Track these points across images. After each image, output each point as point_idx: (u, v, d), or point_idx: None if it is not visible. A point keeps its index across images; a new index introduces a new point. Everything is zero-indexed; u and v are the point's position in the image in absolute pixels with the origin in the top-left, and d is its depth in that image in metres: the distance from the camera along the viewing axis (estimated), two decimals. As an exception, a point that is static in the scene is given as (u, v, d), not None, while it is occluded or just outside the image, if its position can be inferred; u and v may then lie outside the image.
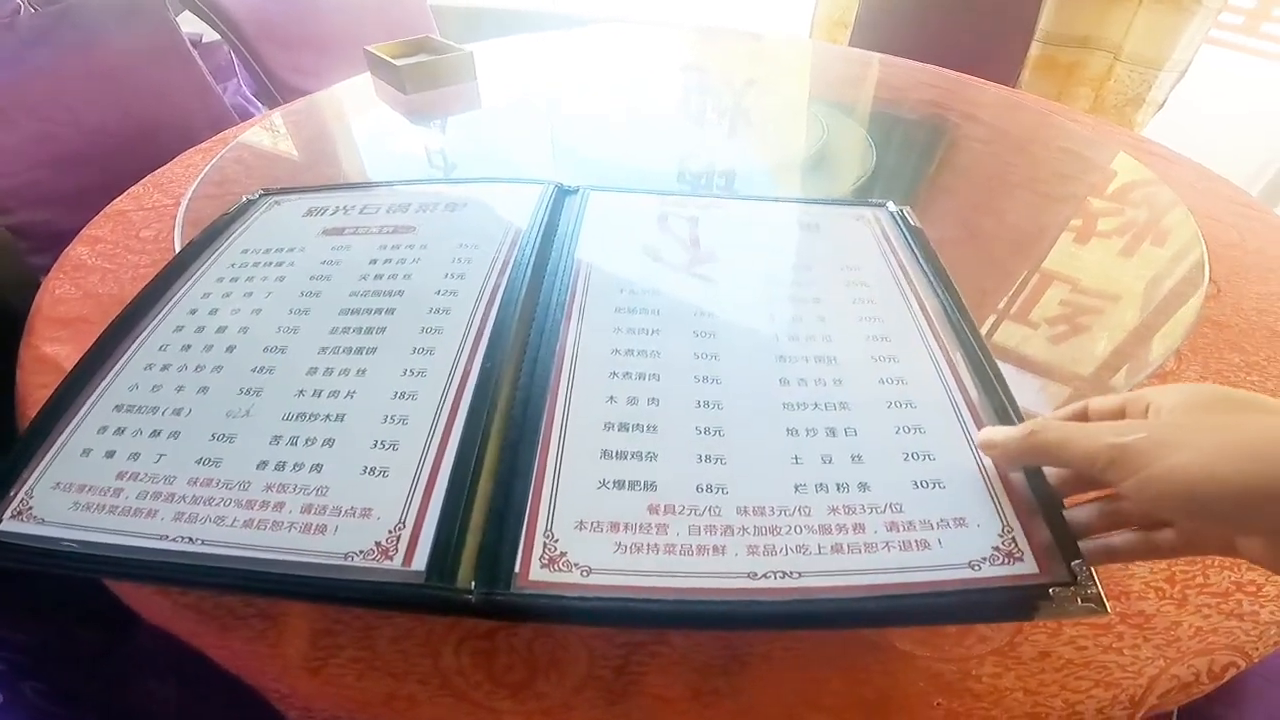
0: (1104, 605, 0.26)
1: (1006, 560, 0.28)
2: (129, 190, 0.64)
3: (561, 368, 0.35)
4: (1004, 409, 0.34)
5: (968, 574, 0.27)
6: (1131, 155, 0.76)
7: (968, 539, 0.28)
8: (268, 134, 0.78)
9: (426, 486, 0.30)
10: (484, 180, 0.52)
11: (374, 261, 0.43)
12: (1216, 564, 0.35)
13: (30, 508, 0.32)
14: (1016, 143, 0.82)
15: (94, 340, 0.46)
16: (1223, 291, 0.55)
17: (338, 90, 0.92)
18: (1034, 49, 1.37)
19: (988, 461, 0.31)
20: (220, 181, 0.65)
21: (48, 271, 0.87)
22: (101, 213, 0.61)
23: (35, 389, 0.44)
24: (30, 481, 0.33)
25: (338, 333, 0.38)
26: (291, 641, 0.32)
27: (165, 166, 0.68)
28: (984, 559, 0.28)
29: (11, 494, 0.32)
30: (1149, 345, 0.50)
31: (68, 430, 0.35)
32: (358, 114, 0.87)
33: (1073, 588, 0.26)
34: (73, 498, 0.32)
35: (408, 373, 0.35)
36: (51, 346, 0.47)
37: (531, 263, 0.42)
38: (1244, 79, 1.49)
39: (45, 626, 0.55)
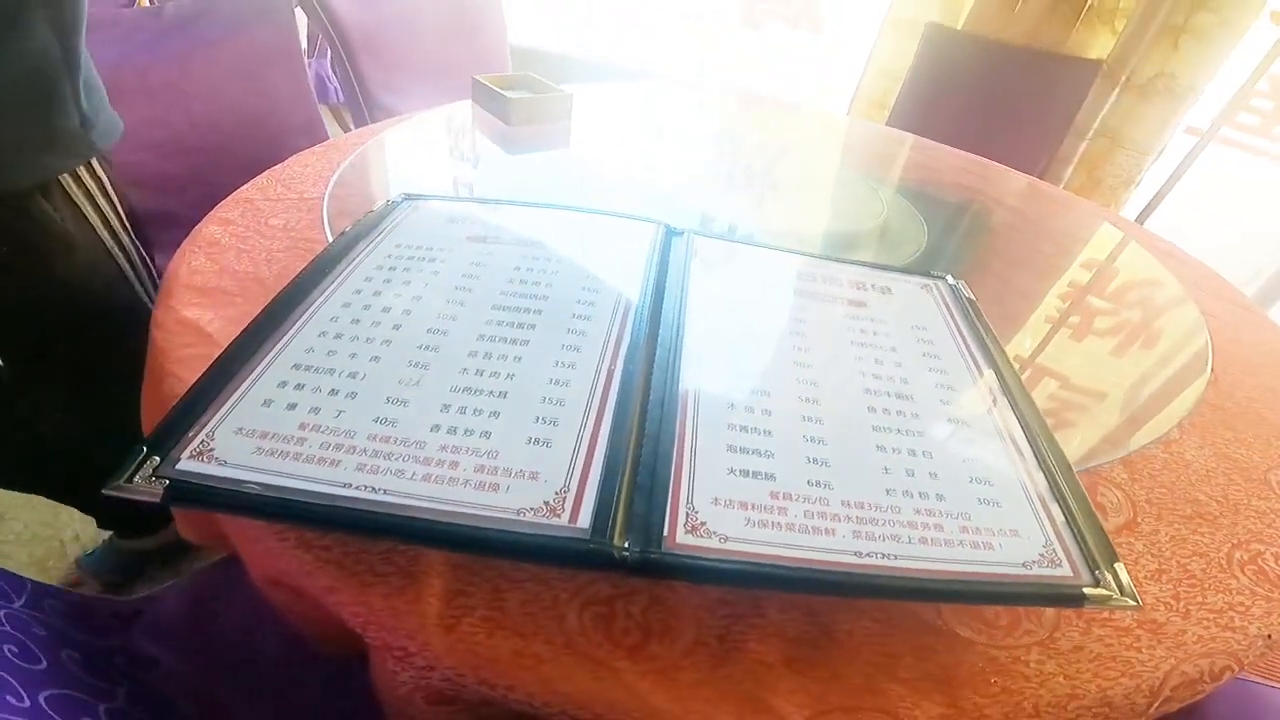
0: (1137, 599, 0.33)
1: (1050, 564, 0.34)
2: (252, 181, 0.70)
3: (687, 376, 0.41)
4: (1046, 450, 0.41)
5: (1022, 571, 0.34)
6: (1150, 254, 0.86)
7: (1020, 546, 0.35)
8: (382, 144, 0.85)
9: (586, 458, 0.35)
10: (603, 212, 0.60)
11: (517, 269, 0.50)
12: (1214, 587, 0.42)
13: (211, 449, 0.33)
14: (1046, 231, 0.92)
15: (242, 309, 0.52)
16: (1219, 380, 0.63)
17: (442, 112, 0.99)
18: (1068, 144, 1.49)
19: (1033, 489, 0.38)
20: (340, 184, 0.71)
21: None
22: (230, 197, 0.66)
23: (179, 348, 0.48)
24: (211, 425, 0.35)
25: (492, 324, 0.44)
26: (428, 600, 0.34)
27: (283, 164, 0.74)
28: (1034, 561, 0.34)
29: (190, 434, 0.34)
30: (1159, 416, 0.57)
31: (247, 382, 0.38)
32: (462, 137, 0.93)
33: (1115, 583, 0.33)
34: (255, 443, 0.34)
35: (559, 364, 0.41)
36: (191, 311, 0.52)
37: (651, 292, 0.49)
38: (1250, 180, 1.64)
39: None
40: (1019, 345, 0.62)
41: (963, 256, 0.79)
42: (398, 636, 0.34)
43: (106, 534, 1.03)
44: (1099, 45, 1.46)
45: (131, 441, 0.34)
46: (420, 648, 0.33)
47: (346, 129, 0.91)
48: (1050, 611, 0.39)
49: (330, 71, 2.19)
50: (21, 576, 0.48)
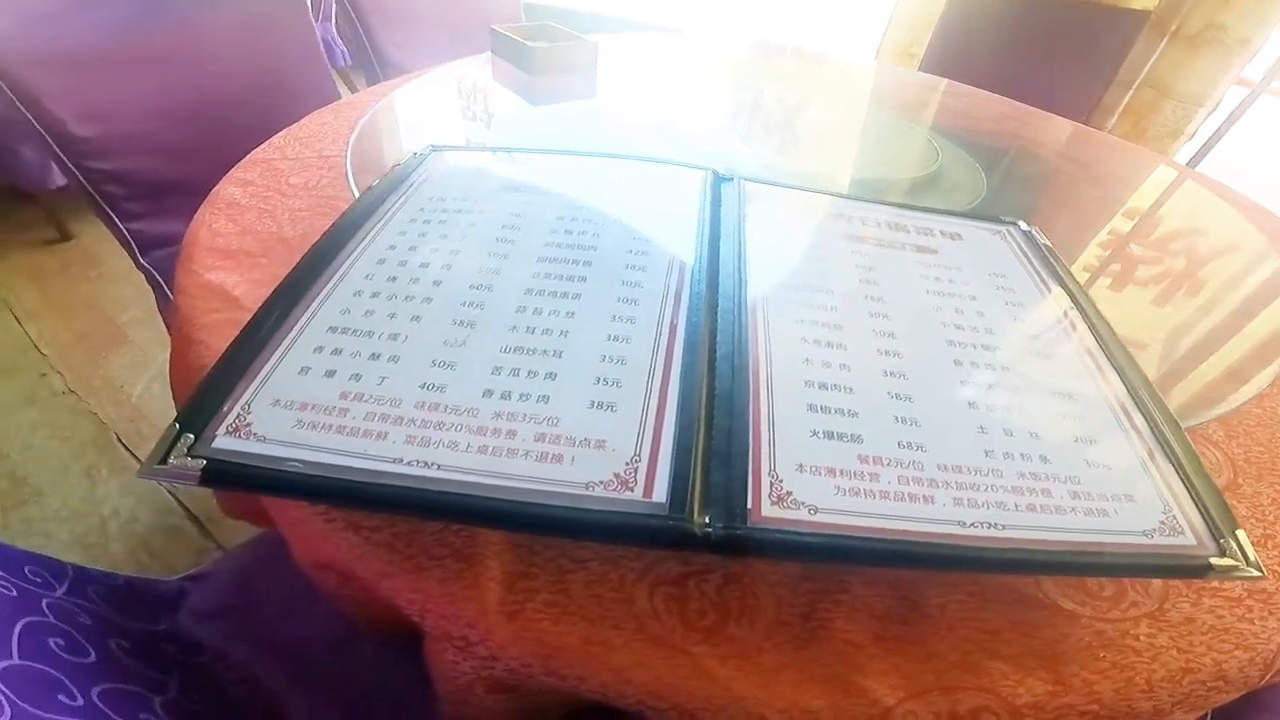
0: (1262, 569, 0.29)
1: (1171, 533, 0.31)
2: (268, 142, 0.66)
3: (756, 329, 0.38)
4: (1153, 408, 0.37)
5: (1143, 540, 0.30)
6: (1227, 205, 0.80)
7: (1138, 512, 0.31)
8: (401, 99, 0.81)
9: (655, 423, 0.32)
10: (645, 159, 0.55)
11: (560, 219, 0.46)
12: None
13: (249, 424, 0.31)
14: (1107, 178, 0.86)
15: (267, 270, 0.49)
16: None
17: (459, 66, 0.94)
18: (1111, 94, 1.42)
19: (1143, 450, 0.34)
20: (360, 140, 0.67)
21: (140, 218, 0.90)
22: (247, 158, 0.63)
23: (204, 314, 0.46)
24: (246, 397, 0.32)
25: (539, 278, 0.40)
26: (487, 585, 0.31)
27: (299, 124, 0.71)
28: (1154, 529, 0.31)
29: (224, 408, 0.31)
30: (1255, 372, 0.52)
31: (281, 348, 0.35)
32: (483, 89, 0.89)
33: (1240, 553, 0.30)
34: (295, 415, 0.31)
35: (616, 319, 0.37)
36: (215, 275, 0.49)
37: (707, 241, 0.45)
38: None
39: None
40: (1098, 298, 0.58)
41: (1026, 204, 0.74)
42: (457, 625, 0.31)
43: (144, 508, 1.03)
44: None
45: None
46: (482, 637, 0.31)
47: (354, 92, 0.87)
48: (1157, 582, 0.36)
49: (335, 35, 2.13)
50: (62, 561, 0.46)
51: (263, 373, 0.34)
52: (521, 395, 0.33)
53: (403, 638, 0.44)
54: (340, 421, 0.31)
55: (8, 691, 0.30)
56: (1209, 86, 1.40)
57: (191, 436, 0.30)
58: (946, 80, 1.16)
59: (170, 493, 1.06)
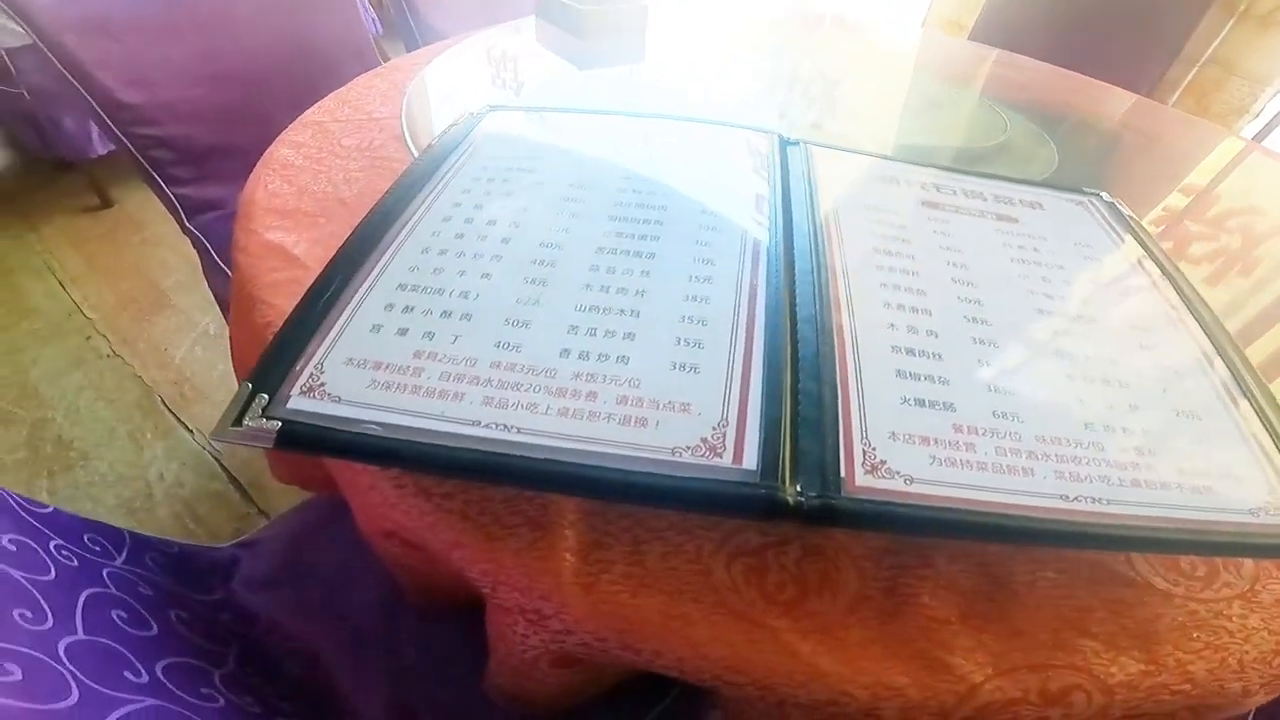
0: None
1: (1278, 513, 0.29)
2: (317, 105, 0.66)
3: (838, 292, 0.36)
4: (1251, 383, 0.35)
5: (1250, 519, 0.29)
6: None
7: (1243, 490, 0.30)
8: (447, 63, 0.79)
9: (741, 386, 0.31)
10: (709, 121, 0.53)
11: (627, 179, 0.45)
12: None
13: (323, 384, 0.30)
14: (1180, 153, 0.82)
15: (326, 229, 0.48)
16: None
17: (504, 29, 0.92)
18: (1174, 70, 1.37)
19: (1245, 426, 0.33)
20: (411, 102, 0.66)
21: (186, 184, 0.91)
22: (297, 121, 0.62)
23: (266, 273, 0.45)
24: (318, 356, 0.31)
25: (610, 236, 0.39)
26: (562, 556, 0.30)
27: (345, 88, 0.70)
28: (1261, 508, 0.29)
29: (297, 367, 0.30)
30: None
31: (350, 306, 0.34)
32: (530, 52, 0.87)
33: None
34: (369, 375, 0.30)
35: (693, 279, 0.36)
36: (276, 234, 0.49)
37: (780, 203, 0.43)
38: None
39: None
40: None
41: (1100, 177, 0.70)
42: (531, 598, 0.30)
43: (188, 472, 1.05)
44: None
45: None
46: (556, 610, 0.30)
47: (386, 60, 0.86)
48: (1249, 563, 0.34)
49: (366, 3, 2.11)
50: (118, 529, 0.45)
51: (334, 330, 0.33)
52: (600, 356, 0.32)
53: (453, 608, 0.43)
54: (415, 381, 0.30)
55: (75, 670, 0.29)
56: (1277, 66, 1.34)
57: (266, 397, 0.30)
58: (1000, 51, 1.11)
59: (214, 457, 1.08)
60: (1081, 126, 0.84)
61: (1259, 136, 1.40)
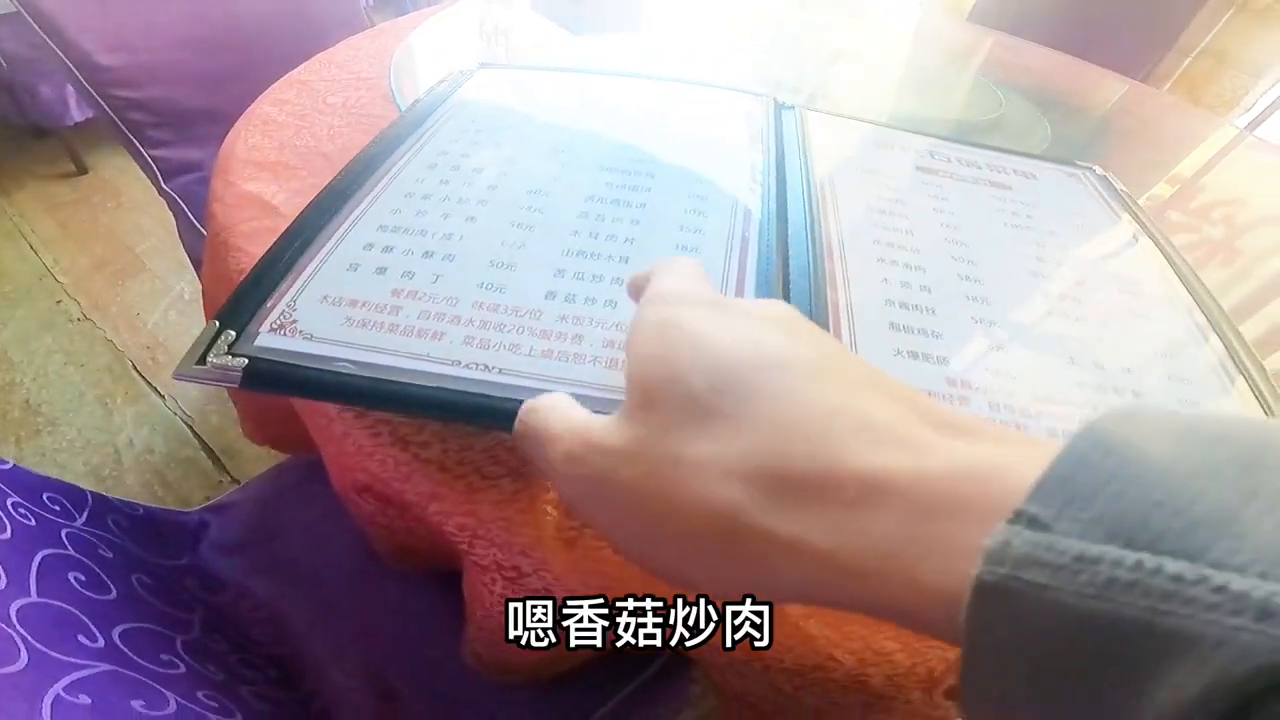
0: None
1: None
2: (303, 65, 0.64)
3: (830, 246, 0.36)
4: (1243, 355, 0.35)
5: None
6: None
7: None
8: (438, 24, 0.78)
9: (730, 331, 0.30)
10: (703, 83, 0.52)
11: (619, 135, 0.44)
12: None
13: (294, 321, 0.28)
14: (1175, 139, 0.82)
15: (307, 181, 0.47)
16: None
17: None
18: (1168, 60, 1.38)
19: (1237, 394, 0.32)
20: (400, 62, 0.65)
21: (164, 145, 0.88)
22: (282, 80, 0.60)
23: (241, 222, 0.44)
24: (291, 293, 0.29)
25: (601, 186, 0.38)
26: (544, 508, 0.29)
27: (333, 49, 0.68)
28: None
29: (268, 305, 0.29)
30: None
31: (329, 245, 0.33)
32: (523, 15, 0.86)
33: None
34: (344, 313, 0.29)
35: (684, 229, 0.35)
36: (254, 185, 0.47)
37: (774, 166, 0.42)
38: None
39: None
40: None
41: (1093, 155, 0.71)
42: (510, 554, 0.29)
43: (159, 439, 1.02)
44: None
45: None
46: (536, 566, 0.29)
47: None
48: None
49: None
50: (81, 488, 0.43)
51: (309, 268, 0.32)
52: (588, 299, 0.31)
53: (429, 570, 0.41)
54: (393, 320, 0.29)
55: (25, 633, 0.28)
56: (1272, 59, 1.36)
57: (233, 334, 0.28)
58: (999, 33, 1.11)
59: (186, 423, 1.05)
60: (1076, 108, 0.85)
61: (1249, 129, 1.42)
